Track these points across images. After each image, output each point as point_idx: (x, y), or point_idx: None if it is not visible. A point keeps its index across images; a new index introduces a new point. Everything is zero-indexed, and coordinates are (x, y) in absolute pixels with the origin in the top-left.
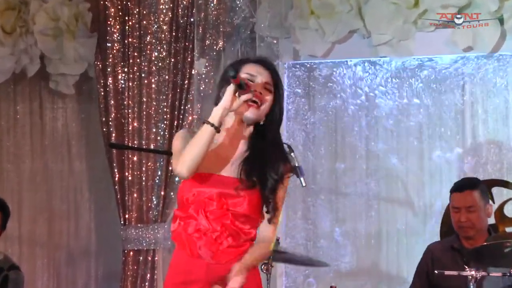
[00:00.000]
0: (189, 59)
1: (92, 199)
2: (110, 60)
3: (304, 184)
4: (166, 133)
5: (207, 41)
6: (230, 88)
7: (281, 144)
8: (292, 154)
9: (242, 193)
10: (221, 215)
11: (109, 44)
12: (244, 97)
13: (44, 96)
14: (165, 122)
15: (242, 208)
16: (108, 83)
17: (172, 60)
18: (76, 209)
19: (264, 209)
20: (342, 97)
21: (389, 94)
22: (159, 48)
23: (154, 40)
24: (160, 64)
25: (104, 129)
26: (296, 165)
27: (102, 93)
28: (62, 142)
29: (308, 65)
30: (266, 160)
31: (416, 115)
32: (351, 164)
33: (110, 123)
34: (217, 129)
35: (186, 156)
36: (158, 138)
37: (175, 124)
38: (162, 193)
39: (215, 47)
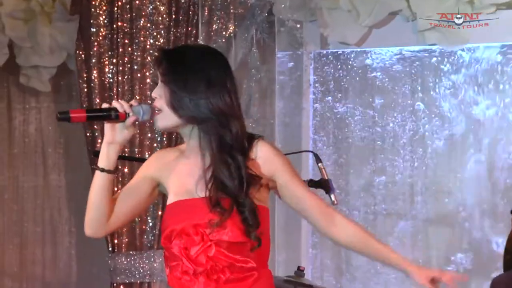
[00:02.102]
0: None
1: (73, 221)
2: (95, 49)
3: (335, 202)
4: (164, 138)
5: (214, 26)
6: (106, 123)
7: (218, 133)
8: (319, 164)
9: (221, 217)
10: (205, 249)
11: (94, 30)
12: (129, 121)
13: (13, 94)
14: None
15: (226, 235)
16: (93, 78)
17: None
18: (53, 232)
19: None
20: (382, 94)
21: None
22: (155, 34)
23: (149, 25)
24: (156, 54)
25: (88, 134)
26: (325, 178)
27: (85, 90)
28: (36, 151)
29: (338, 55)
30: (216, 162)
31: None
32: (392, 177)
33: (95, 126)
34: (111, 171)
35: (86, 213)
36: (155, 145)
37: None
38: (159, 212)
39: (224, 33)
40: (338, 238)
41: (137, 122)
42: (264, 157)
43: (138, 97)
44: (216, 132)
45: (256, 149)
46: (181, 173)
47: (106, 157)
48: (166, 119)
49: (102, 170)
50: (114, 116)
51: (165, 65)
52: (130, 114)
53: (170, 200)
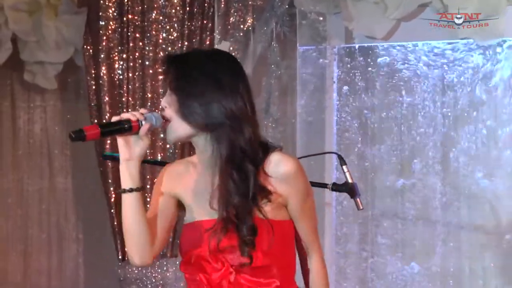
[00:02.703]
0: (207, 42)
1: (81, 227)
2: (104, 43)
3: (361, 207)
4: None
5: (231, 18)
6: (119, 138)
7: (233, 146)
8: (344, 167)
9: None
10: (226, 276)
11: (103, 23)
12: (143, 129)
13: (17, 92)
14: None
15: (245, 259)
16: (101, 74)
17: (186, 43)
18: (59, 239)
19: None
20: (411, 92)
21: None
22: (168, 27)
23: (161, 17)
24: (169, 48)
25: None
26: (350, 181)
27: (93, 88)
28: (41, 152)
29: (364, 50)
30: (225, 180)
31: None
32: (422, 181)
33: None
34: (139, 189)
35: (126, 242)
36: (167, 146)
37: None
38: None
39: (242, 26)
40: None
41: (150, 130)
42: (281, 177)
43: (149, 95)
44: (228, 138)
45: (273, 163)
46: (195, 188)
47: (129, 176)
48: (177, 129)
49: (130, 190)
50: (128, 128)
51: (172, 71)
52: (143, 122)
53: (186, 219)
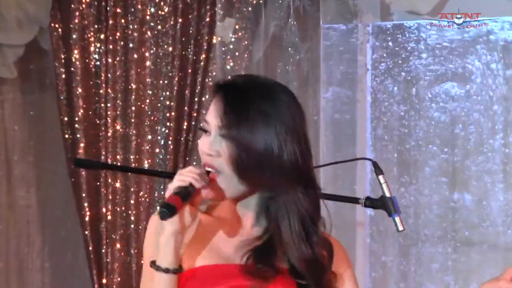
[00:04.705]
0: (207, 19)
1: (47, 252)
2: (77, 21)
3: (400, 228)
4: (169, 142)
5: None
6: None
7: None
8: (380, 177)
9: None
10: None
11: None
12: (208, 194)
13: None
14: (168, 123)
15: None
16: (73, 60)
17: (180, 20)
18: (20, 269)
19: None
20: (464, 81)
21: None
22: (157, 0)
23: None
24: (159, 27)
25: (67, 136)
26: (387, 195)
27: (63, 77)
28: None
29: (405, 29)
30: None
31: None
32: (479, 195)
33: (77, 125)
34: (179, 270)
35: None
36: (156, 150)
37: (184, 126)
38: None
39: (250, 0)
40: None
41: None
42: (341, 258)
43: (134, 86)
44: (297, 204)
45: (330, 242)
46: (207, 237)
47: (174, 252)
48: (229, 185)
49: (174, 271)
50: (192, 193)
51: (227, 112)
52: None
53: (194, 264)
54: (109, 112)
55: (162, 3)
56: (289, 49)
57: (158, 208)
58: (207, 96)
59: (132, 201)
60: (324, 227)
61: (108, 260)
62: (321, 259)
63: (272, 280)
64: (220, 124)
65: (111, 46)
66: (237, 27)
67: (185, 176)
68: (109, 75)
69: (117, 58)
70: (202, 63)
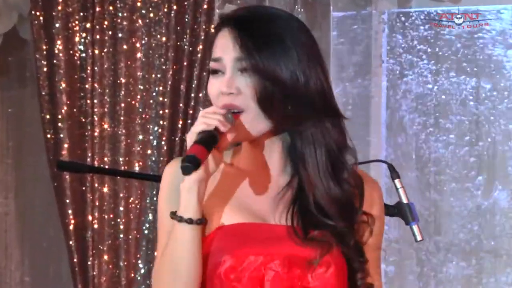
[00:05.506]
0: (204, 6)
1: (27, 266)
2: (60, 8)
3: (419, 237)
4: (162, 142)
5: None
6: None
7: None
8: (396, 181)
9: (326, 257)
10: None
11: None
12: (230, 137)
13: None
14: (161, 122)
15: (329, 284)
16: (56, 51)
17: (174, 7)
18: None
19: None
20: (492, 75)
21: None
22: None
23: None
24: (151, 14)
25: (49, 136)
26: (404, 201)
27: (45, 70)
28: None
29: (426, 17)
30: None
31: None
32: (508, 200)
33: (60, 124)
34: (203, 221)
35: (169, 286)
36: (148, 151)
37: (179, 125)
38: (156, 253)
39: None
40: None
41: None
42: (372, 199)
43: (123, 80)
44: (325, 136)
45: (362, 179)
46: (233, 194)
47: (197, 201)
48: (255, 123)
49: (197, 222)
50: (217, 137)
51: (244, 40)
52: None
53: (222, 222)
54: (95, 109)
55: None
56: None
57: (180, 162)
58: (204, 92)
59: (121, 208)
60: (354, 158)
61: (94, 273)
62: (352, 199)
63: (331, 250)
64: (239, 55)
65: (98, 36)
66: None
67: (210, 119)
68: (95, 68)
69: (105, 50)
70: (199, 55)
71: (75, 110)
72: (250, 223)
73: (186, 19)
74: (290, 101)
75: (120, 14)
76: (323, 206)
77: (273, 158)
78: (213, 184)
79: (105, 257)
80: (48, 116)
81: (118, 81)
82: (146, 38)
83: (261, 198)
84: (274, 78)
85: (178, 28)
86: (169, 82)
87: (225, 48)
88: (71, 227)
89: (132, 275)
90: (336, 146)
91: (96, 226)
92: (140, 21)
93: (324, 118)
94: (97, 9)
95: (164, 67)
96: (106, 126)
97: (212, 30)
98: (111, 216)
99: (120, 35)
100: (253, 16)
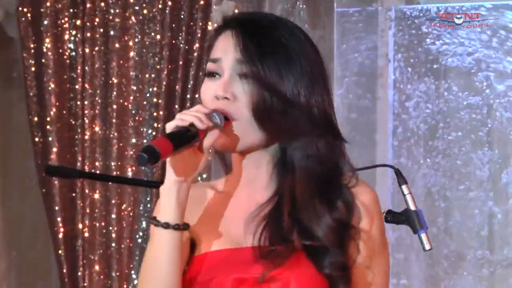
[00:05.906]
0: (201, 2)
1: (13, 277)
2: (48, 4)
3: (427, 246)
4: None
5: None
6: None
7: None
8: (403, 187)
9: (281, 274)
10: None
11: None
12: (213, 136)
13: None
14: (155, 124)
15: None
16: (45, 50)
17: (169, 3)
18: None
19: None
20: (505, 76)
21: None
22: None
23: None
24: (145, 11)
25: (37, 140)
26: (412, 208)
27: (33, 70)
28: None
29: (435, 14)
30: (305, 198)
31: None
32: None
33: (49, 127)
34: (184, 227)
35: None
36: None
37: None
38: None
39: None
40: None
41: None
42: (366, 206)
43: (116, 80)
44: (321, 156)
45: (355, 188)
46: (215, 215)
47: (178, 204)
48: (246, 133)
49: (177, 227)
50: (195, 136)
51: (247, 45)
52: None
53: (200, 250)
54: (86, 111)
55: None
56: None
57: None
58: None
59: (113, 216)
60: (352, 173)
61: (85, 284)
62: (343, 223)
63: (287, 263)
64: (241, 58)
65: (88, 34)
66: (236, 11)
67: (187, 115)
68: (86, 67)
69: (96, 48)
70: (195, 54)
71: (64, 112)
72: (223, 249)
73: (182, 16)
74: (288, 115)
75: (112, 11)
76: (308, 228)
77: (260, 172)
78: (201, 210)
79: (96, 267)
80: (36, 119)
81: (110, 82)
82: (139, 36)
83: (239, 220)
84: (274, 89)
85: (173, 25)
86: (164, 83)
87: (226, 49)
88: (60, 235)
89: (125, 286)
90: (333, 168)
91: (86, 234)
92: (133, 18)
93: (323, 137)
94: (88, 5)
95: (158, 66)
96: (97, 128)
97: (209, 28)
98: (103, 224)
99: (112, 32)
100: (260, 22)
